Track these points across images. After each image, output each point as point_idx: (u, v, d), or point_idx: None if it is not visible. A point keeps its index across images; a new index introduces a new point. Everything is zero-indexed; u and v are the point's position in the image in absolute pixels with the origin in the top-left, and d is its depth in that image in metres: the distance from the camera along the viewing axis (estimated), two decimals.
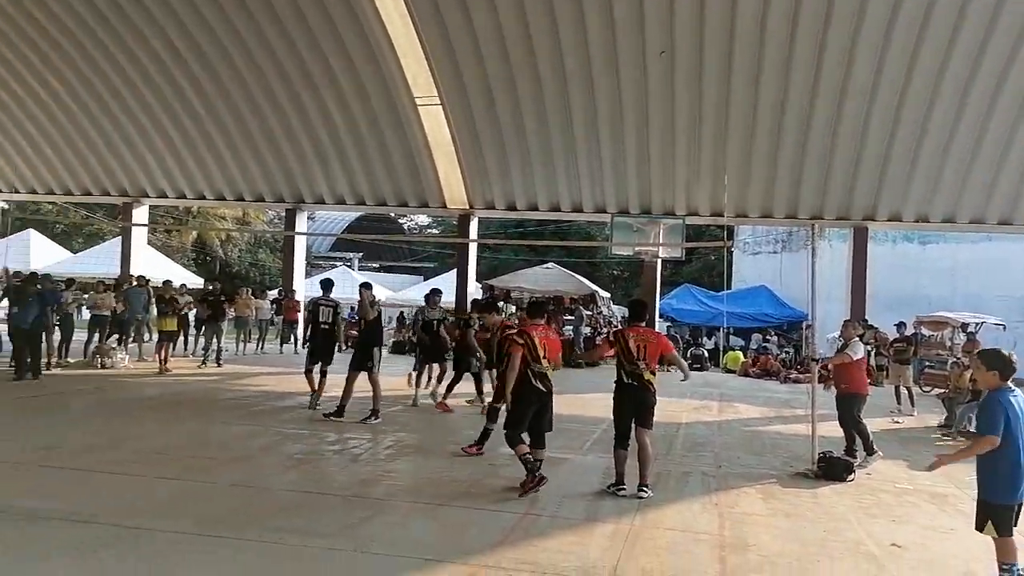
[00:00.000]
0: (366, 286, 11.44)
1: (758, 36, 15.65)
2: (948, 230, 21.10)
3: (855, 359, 8.50)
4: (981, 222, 18.59)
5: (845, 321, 9.27)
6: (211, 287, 17.46)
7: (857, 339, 8.77)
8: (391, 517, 6.13)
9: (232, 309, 19.04)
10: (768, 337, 28.55)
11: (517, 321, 20.31)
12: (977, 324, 18.34)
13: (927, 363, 18.23)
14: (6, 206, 29.40)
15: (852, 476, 8.12)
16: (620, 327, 8.06)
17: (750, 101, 16.86)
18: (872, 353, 14.89)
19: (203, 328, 16.85)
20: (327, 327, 10.89)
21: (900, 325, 14.35)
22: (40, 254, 28.76)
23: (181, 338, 17.88)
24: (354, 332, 22.57)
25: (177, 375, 14.64)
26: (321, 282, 11.58)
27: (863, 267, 19.61)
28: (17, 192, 24.01)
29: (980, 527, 4.80)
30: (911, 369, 14.11)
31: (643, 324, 7.50)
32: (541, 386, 7.04)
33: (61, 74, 19.87)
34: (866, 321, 16.18)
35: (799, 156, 17.80)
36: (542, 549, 5.46)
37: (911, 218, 18.83)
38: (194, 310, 17.44)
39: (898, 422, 12.70)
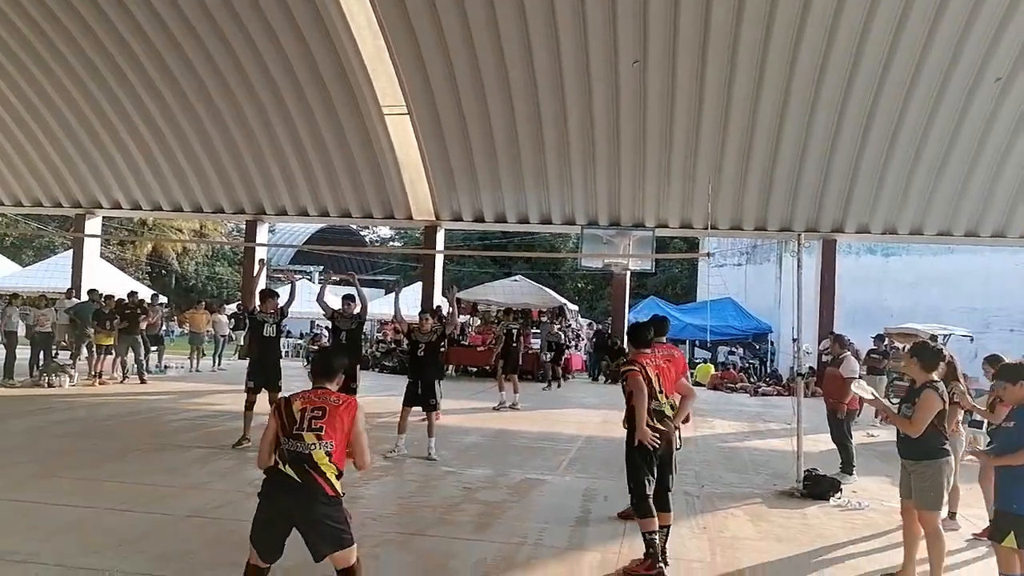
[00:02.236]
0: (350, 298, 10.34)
1: (729, 49, 15.55)
2: (915, 242, 21.20)
3: (853, 378, 8.29)
4: (948, 234, 18.72)
5: (835, 335, 9.06)
6: (126, 298, 16.62)
7: (849, 355, 8.55)
8: (362, 549, 5.56)
9: (185, 324, 18.35)
10: (734, 349, 28.51)
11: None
12: (945, 336, 18.34)
13: (895, 375, 18.18)
14: None
15: (839, 495, 7.86)
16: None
17: (720, 113, 16.77)
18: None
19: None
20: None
21: (878, 338, 14.26)
22: None
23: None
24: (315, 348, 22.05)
25: (126, 392, 14.03)
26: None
27: (832, 279, 19.64)
28: None
29: (1001, 538, 4.58)
30: (884, 381, 14.01)
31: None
32: (660, 426, 5.41)
33: (11, 78, 19.09)
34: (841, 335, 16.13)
35: (768, 168, 17.76)
36: None
37: (879, 230, 18.89)
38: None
39: (873, 436, 12.55)
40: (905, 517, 5.41)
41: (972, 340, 18.57)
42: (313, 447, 3.80)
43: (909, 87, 15.83)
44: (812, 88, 16.03)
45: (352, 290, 10.16)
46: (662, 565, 5.22)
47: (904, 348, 18.30)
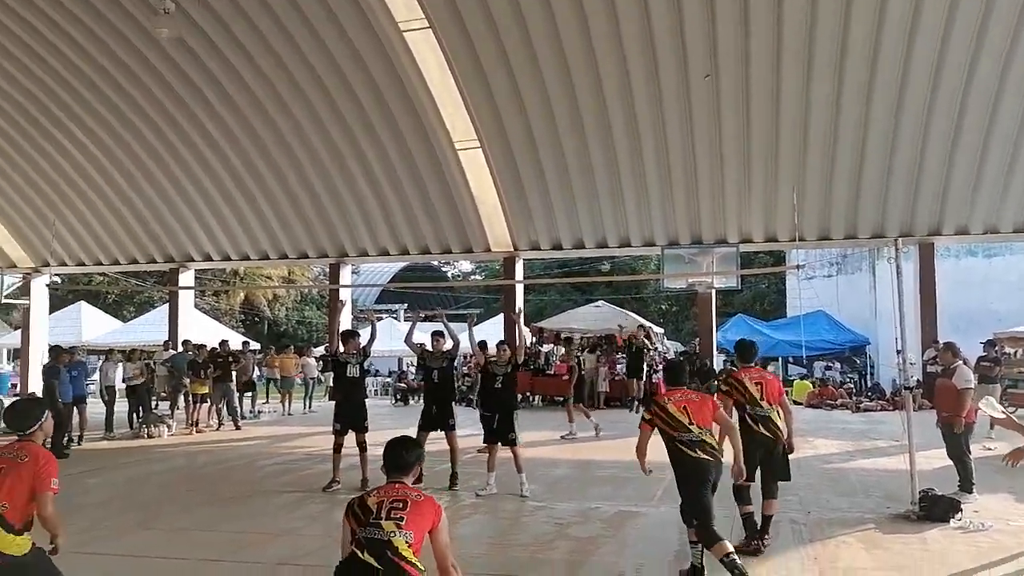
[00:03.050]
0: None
1: (805, 54, 15.07)
2: (1020, 240, 19.98)
3: (969, 388, 7.73)
4: None
5: (946, 344, 8.50)
6: (218, 347, 17.00)
7: (961, 363, 7.99)
8: None
9: (276, 368, 18.74)
10: (831, 364, 27.39)
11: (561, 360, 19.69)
12: None
13: (1008, 382, 17.08)
14: (58, 280, 29.88)
15: (960, 515, 7.28)
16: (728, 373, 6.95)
17: (800, 120, 16.21)
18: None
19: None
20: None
21: (988, 344, 13.41)
22: (91, 326, 29.09)
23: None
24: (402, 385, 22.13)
25: (222, 440, 14.33)
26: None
27: (931, 285, 18.63)
28: (65, 265, 24.21)
29: None
30: (998, 389, 13.13)
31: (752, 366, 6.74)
32: (704, 455, 5.55)
33: (102, 142, 20.05)
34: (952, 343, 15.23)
35: (855, 172, 17.02)
36: None
37: (979, 230, 17.85)
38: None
39: (991, 448, 11.70)
40: None
41: None
42: (393, 535, 3.51)
43: (1000, 77, 14.97)
44: (897, 81, 15.26)
45: (441, 326, 10.02)
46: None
47: (1017, 353, 17.32)
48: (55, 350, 13.58)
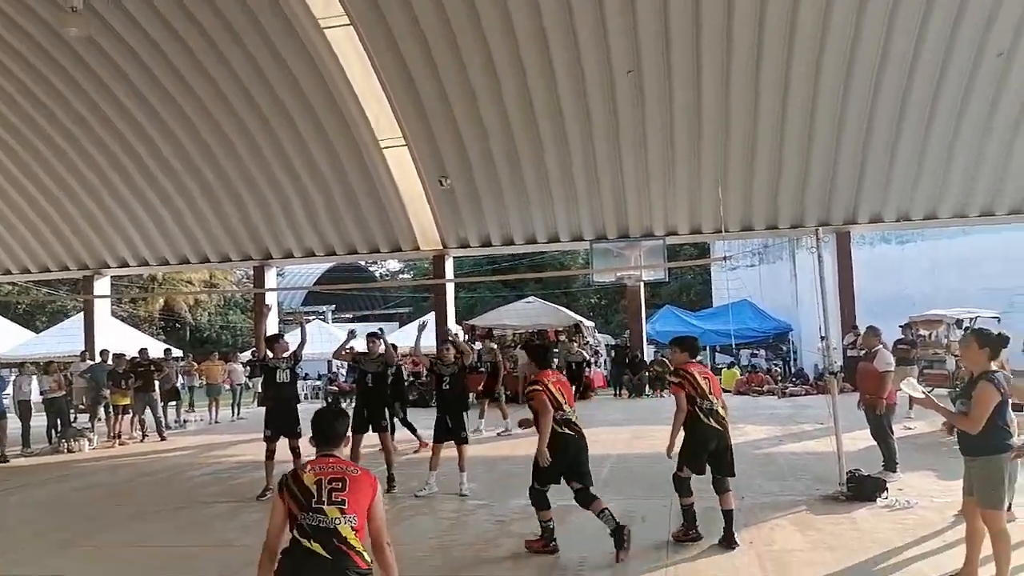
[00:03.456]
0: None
1: (724, 47, 15.42)
2: (931, 226, 20.91)
3: (889, 371, 7.99)
4: (963, 215, 18.42)
5: (868, 328, 8.78)
6: (138, 355, 16.43)
7: (882, 347, 8.26)
8: None
9: (202, 375, 18.21)
10: (756, 352, 28.19)
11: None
12: (971, 319, 17.99)
13: (924, 363, 17.82)
14: None
15: (886, 494, 7.54)
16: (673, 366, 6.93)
17: (720, 114, 16.61)
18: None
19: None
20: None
21: (906, 327, 13.96)
22: (1, 338, 27.68)
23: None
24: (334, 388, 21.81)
25: (147, 451, 13.84)
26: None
27: (848, 272, 19.35)
28: None
29: None
30: (916, 371, 13.67)
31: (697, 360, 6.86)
32: (569, 431, 6.18)
33: (6, 144, 19.18)
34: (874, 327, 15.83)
35: (775, 164, 17.56)
36: None
37: (892, 217, 18.63)
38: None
39: (911, 428, 12.19)
40: (967, 515, 5.10)
41: (999, 321, 18.16)
42: (338, 521, 3.44)
43: (909, 70, 15.61)
44: (812, 78, 15.87)
45: (376, 328, 9.91)
46: (555, 543, 6.18)
47: (932, 335, 18.05)
48: None
